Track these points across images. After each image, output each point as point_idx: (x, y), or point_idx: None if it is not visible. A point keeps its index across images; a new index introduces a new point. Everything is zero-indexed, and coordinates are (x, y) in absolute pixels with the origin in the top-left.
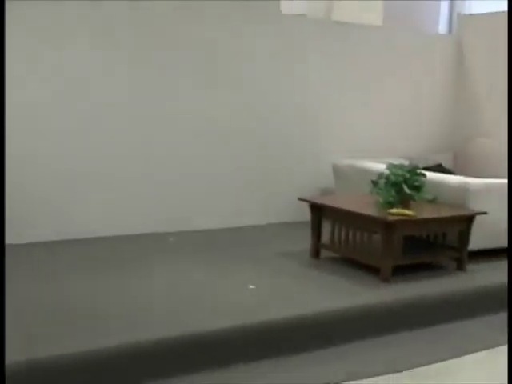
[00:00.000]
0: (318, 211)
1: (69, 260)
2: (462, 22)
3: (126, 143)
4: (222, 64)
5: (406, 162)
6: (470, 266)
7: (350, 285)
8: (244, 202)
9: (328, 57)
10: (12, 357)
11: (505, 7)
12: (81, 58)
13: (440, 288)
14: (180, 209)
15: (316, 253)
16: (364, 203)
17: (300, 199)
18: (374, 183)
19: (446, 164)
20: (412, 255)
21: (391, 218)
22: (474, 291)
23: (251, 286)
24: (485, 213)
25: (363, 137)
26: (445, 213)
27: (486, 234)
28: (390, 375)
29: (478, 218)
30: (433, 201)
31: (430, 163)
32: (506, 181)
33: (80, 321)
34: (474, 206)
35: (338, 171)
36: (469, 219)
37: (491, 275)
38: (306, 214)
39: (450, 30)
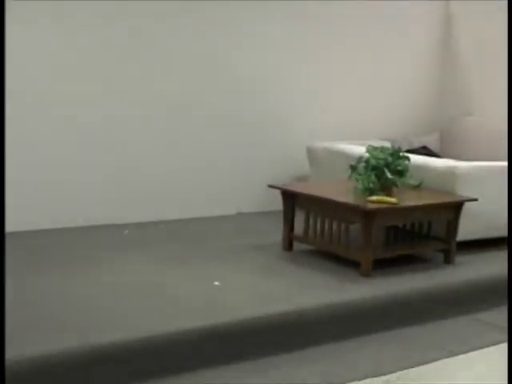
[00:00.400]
0: (291, 199)
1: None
2: None
3: (79, 129)
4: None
5: (388, 145)
6: (459, 259)
7: (326, 280)
8: (212, 190)
9: (298, 22)
10: None
11: None
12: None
13: (426, 283)
14: (141, 198)
15: (289, 245)
16: (341, 190)
17: (271, 186)
18: (353, 168)
19: (432, 146)
20: (395, 247)
21: (371, 206)
22: (463, 286)
23: (216, 283)
24: (475, 199)
25: (341, 118)
26: (430, 200)
27: (476, 222)
28: (375, 379)
29: (467, 205)
30: (417, 187)
31: (415, 145)
32: (498, 163)
33: (16, 325)
34: (463, 191)
35: (312, 155)
36: (457, 207)
37: (482, 268)
38: (278, 203)
39: None
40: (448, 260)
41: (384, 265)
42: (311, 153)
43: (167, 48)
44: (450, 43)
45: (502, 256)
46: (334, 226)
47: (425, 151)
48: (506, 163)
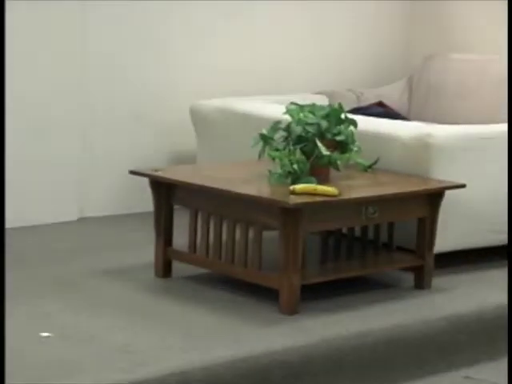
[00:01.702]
0: (166, 193)
1: None
2: None
3: None
4: None
5: (324, 101)
6: (438, 281)
7: (223, 325)
8: (45, 188)
9: None
10: None
11: None
12: None
13: (386, 323)
14: None
15: (165, 268)
16: (247, 175)
17: (133, 173)
18: (265, 139)
19: (394, 101)
20: (336, 266)
21: (295, 200)
22: (445, 325)
23: (45, 334)
24: (462, 185)
25: (246, 64)
26: (391, 188)
27: (464, 223)
28: None
29: (449, 195)
30: (370, 168)
31: (366, 101)
32: (497, 127)
33: None
34: (442, 173)
35: (200, 121)
36: (433, 198)
37: (475, 297)
38: (148, 201)
39: None
40: (421, 284)
41: (319, 294)
42: (198, 117)
43: None
44: None
45: (505, 275)
46: (238, 234)
47: (382, 110)
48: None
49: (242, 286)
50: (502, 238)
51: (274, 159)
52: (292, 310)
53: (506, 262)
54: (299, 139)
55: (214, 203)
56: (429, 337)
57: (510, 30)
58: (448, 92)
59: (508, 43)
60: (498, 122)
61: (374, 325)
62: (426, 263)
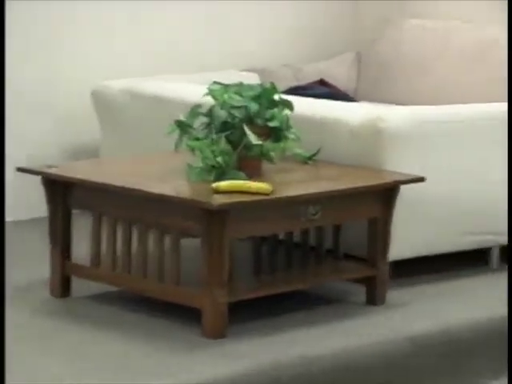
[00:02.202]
0: (62, 195)
1: None
2: None
3: None
4: None
5: (255, 80)
6: (394, 295)
7: (134, 353)
8: None
9: None
10: None
11: None
12: None
13: (330, 346)
14: None
15: (63, 286)
16: (161, 171)
17: (21, 170)
18: (182, 127)
19: (338, 79)
20: (270, 279)
21: (219, 199)
22: (402, 348)
23: None
24: (420, 179)
25: (162, 40)
26: (337, 183)
27: (425, 224)
28: None
29: (406, 191)
30: (310, 159)
31: (305, 79)
32: (462, 108)
33: None
34: (397, 164)
35: (103, 106)
36: (387, 195)
37: (443, 313)
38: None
39: None
40: (373, 298)
41: (251, 314)
42: (100, 103)
43: None
44: None
45: (480, 287)
46: (151, 243)
47: (324, 90)
48: (476, 107)
49: (158, 305)
50: (471, 241)
51: (193, 151)
52: (218, 333)
53: (477, 270)
54: (224, 126)
55: (120, 206)
56: (383, 362)
57: (510, 30)
58: (404, 67)
59: (508, 43)
60: (464, 102)
61: (318, 349)
62: (378, 273)
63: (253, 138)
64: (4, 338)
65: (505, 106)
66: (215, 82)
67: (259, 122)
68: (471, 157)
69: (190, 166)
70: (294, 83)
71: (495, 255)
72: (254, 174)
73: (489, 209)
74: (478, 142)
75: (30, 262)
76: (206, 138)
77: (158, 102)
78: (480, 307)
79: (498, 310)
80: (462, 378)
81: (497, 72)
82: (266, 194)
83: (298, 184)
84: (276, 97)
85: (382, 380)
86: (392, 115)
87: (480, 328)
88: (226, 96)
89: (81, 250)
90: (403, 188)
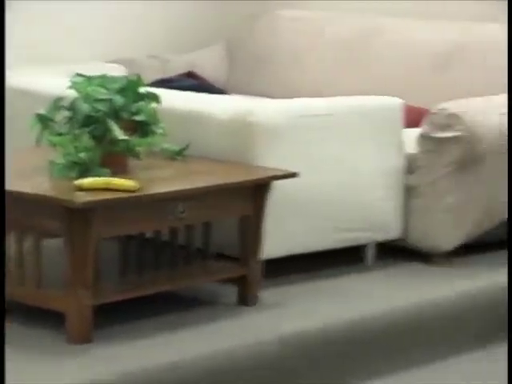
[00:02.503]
0: None
1: None
2: None
3: None
4: None
5: (121, 72)
6: (268, 295)
7: None
8: None
9: None
10: None
11: None
12: None
13: (201, 350)
14: None
15: None
16: (21, 168)
17: None
18: (43, 121)
19: (208, 71)
20: (138, 280)
21: (82, 197)
22: (275, 351)
23: None
24: (293, 174)
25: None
26: (206, 179)
27: (297, 222)
28: None
29: (279, 187)
30: (179, 155)
31: (173, 71)
32: (333, 100)
33: None
34: (269, 159)
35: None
36: (259, 191)
37: (315, 312)
38: None
39: None
40: (245, 298)
41: (118, 317)
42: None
43: None
44: None
45: (355, 286)
46: (11, 245)
47: (193, 82)
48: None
49: (21, 309)
50: (345, 238)
51: (55, 146)
52: (83, 338)
53: (352, 268)
54: (87, 120)
55: None
56: (254, 364)
57: (510, 30)
58: (277, 59)
59: (508, 43)
60: (339, 95)
61: (187, 352)
62: (250, 273)
63: (118, 133)
64: (4, 339)
65: (376, 99)
66: (78, 74)
67: (125, 115)
68: (344, 151)
69: (51, 163)
70: (162, 75)
71: (370, 252)
72: (119, 170)
73: (363, 205)
74: (349, 136)
75: None
76: (68, 132)
77: (17, 95)
78: (355, 306)
79: (372, 308)
80: (336, 378)
81: (373, 63)
82: (132, 192)
83: (166, 181)
84: (142, 89)
85: (253, 382)
86: (262, 109)
87: (355, 327)
88: (89, 89)
89: None
90: (276, 184)
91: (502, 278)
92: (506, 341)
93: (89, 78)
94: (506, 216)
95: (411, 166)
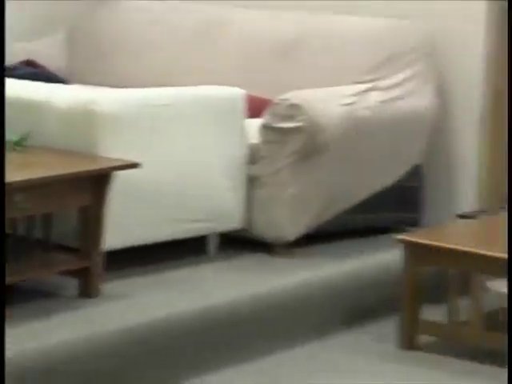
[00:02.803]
0: None
1: None
2: None
3: None
4: None
5: None
6: (110, 287)
7: None
8: None
9: None
10: None
11: None
12: None
13: (39, 342)
14: None
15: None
16: None
17: None
18: None
19: (48, 60)
20: None
21: None
22: (116, 341)
23: None
24: (134, 165)
25: None
26: (44, 170)
27: (139, 212)
28: None
29: (121, 177)
30: (19, 145)
31: (12, 58)
32: (173, 90)
33: None
34: (110, 149)
35: None
36: (99, 182)
37: (160, 303)
38: None
39: None
40: (87, 290)
41: None
42: None
43: None
44: None
45: (197, 277)
46: None
47: (32, 71)
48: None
49: None
50: (187, 229)
51: None
52: None
53: (195, 259)
54: None
55: None
56: (96, 356)
57: (510, 30)
58: (119, 49)
59: (508, 43)
60: (181, 85)
61: (26, 346)
62: (92, 264)
63: None
64: (4, 339)
65: (218, 89)
66: None
67: None
68: (185, 141)
69: None
70: None
71: (212, 243)
72: None
73: (206, 196)
74: (191, 126)
75: None
76: None
77: None
78: (196, 297)
79: (213, 299)
80: (177, 368)
81: (217, 54)
82: None
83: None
84: None
85: (96, 372)
86: (103, 98)
87: (196, 318)
88: None
89: None
90: (117, 174)
91: (343, 267)
92: (344, 332)
93: None
94: (348, 206)
95: (254, 156)
